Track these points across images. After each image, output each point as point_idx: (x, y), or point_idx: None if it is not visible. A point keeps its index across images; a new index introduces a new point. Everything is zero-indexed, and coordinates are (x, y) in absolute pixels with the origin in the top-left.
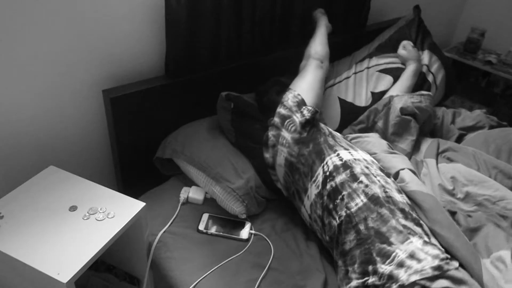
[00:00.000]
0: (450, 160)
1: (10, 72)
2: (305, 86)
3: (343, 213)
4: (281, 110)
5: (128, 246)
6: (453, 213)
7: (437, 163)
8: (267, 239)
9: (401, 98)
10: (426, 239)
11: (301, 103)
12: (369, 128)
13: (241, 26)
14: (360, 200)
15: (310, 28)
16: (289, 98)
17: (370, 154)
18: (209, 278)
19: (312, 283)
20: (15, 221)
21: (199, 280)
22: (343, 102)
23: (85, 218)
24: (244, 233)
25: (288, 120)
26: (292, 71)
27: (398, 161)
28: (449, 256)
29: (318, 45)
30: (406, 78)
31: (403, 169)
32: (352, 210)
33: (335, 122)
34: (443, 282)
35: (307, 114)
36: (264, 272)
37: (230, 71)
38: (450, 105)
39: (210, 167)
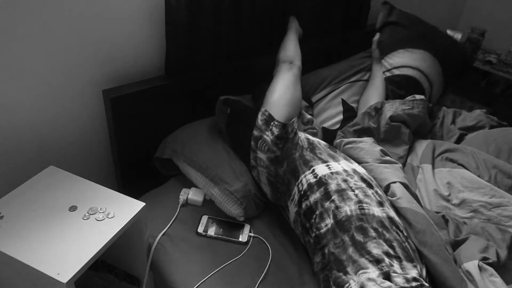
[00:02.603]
0: (450, 160)
1: (10, 72)
2: (274, 97)
3: (314, 234)
4: (254, 132)
5: (128, 246)
6: (446, 220)
7: (433, 168)
8: (266, 242)
9: (392, 105)
10: (389, 268)
11: (268, 120)
12: (365, 129)
13: (241, 26)
14: (329, 221)
15: (308, 28)
16: (259, 117)
17: (362, 162)
18: (208, 281)
19: None
20: (15, 221)
21: (198, 284)
22: (345, 104)
23: (85, 218)
24: (243, 235)
25: (260, 141)
26: None
27: (390, 173)
28: (413, 285)
29: (287, 49)
30: (380, 70)
31: (394, 182)
32: (322, 231)
33: (337, 123)
34: None
35: (275, 130)
36: (262, 276)
37: (230, 71)
38: (450, 105)
39: (209, 169)
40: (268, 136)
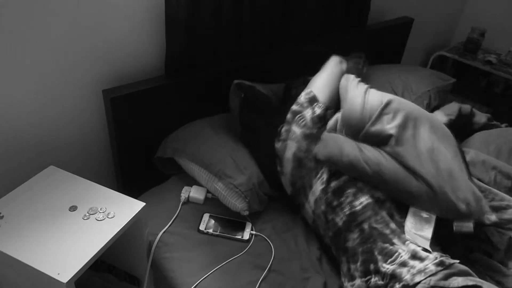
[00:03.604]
0: None
1: (11, 72)
2: (320, 83)
3: (347, 211)
4: (293, 106)
5: (128, 246)
6: None
7: None
8: (268, 239)
9: None
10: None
11: (313, 100)
12: None
13: (241, 26)
14: (365, 199)
15: (308, 28)
16: (302, 95)
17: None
18: (210, 279)
19: (312, 285)
20: (15, 221)
21: (199, 281)
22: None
23: (85, 218)
24: (245, 233)
25: (299, 115)
26: (296, 70)
27: None
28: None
29: None
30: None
31: None
32: (357, 208)
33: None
34: (447, 273)
35: (317, 110)
36: (264, 273)
37: (230, 71)
38: None
39: (212, 164)
40: (308, 113)
